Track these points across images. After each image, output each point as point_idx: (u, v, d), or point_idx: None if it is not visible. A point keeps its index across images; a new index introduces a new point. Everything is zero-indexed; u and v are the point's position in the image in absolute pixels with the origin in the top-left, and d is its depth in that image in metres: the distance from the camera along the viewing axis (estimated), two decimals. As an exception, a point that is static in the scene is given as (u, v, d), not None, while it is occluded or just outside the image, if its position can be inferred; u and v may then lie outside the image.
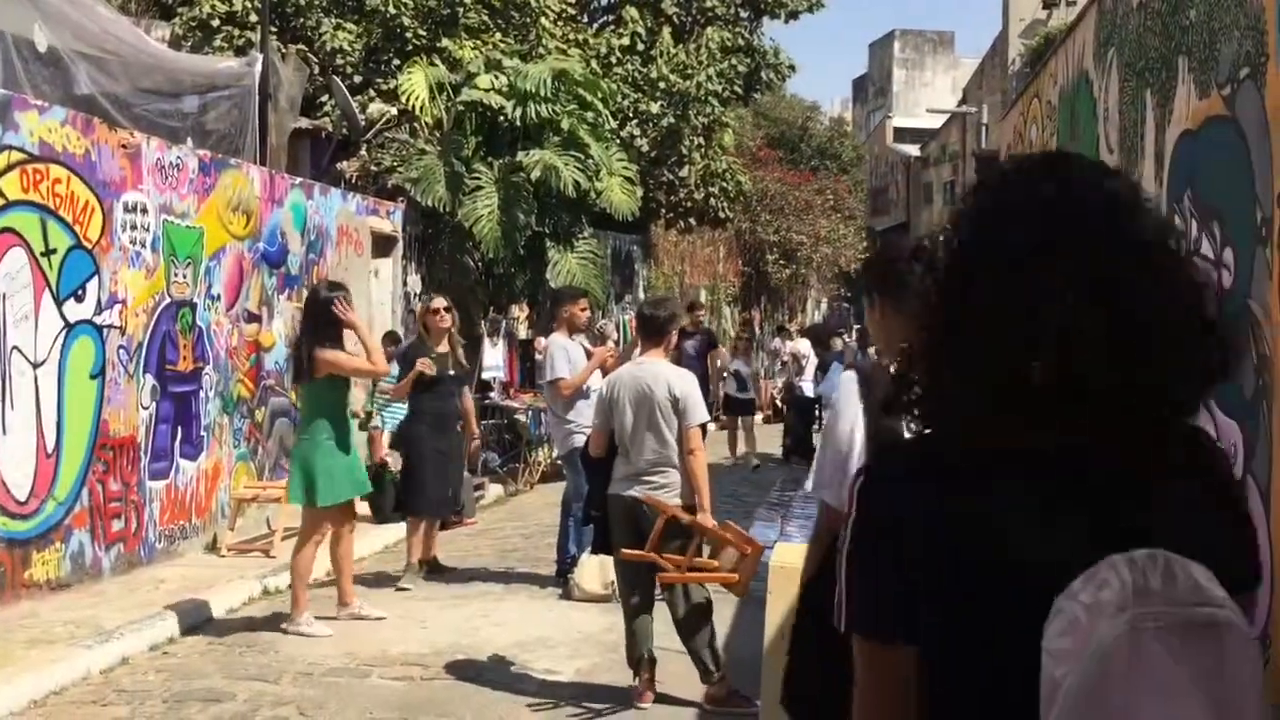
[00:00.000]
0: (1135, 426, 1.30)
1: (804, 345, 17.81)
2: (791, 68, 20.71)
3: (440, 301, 8.66)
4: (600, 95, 15.21)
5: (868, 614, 1.38)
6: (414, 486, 8.35)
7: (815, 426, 17.74)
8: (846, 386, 3.22)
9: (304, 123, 13.93)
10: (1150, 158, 7.40)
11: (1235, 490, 1.43)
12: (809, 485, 3.85)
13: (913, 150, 44.59)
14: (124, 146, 8.19)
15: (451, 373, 8.43)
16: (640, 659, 5.72)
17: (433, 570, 8.40)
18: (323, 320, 6.94)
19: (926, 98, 46.95)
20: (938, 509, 1.32)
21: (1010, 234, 1.33)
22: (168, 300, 8.68)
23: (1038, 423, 1.31)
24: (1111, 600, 1.20)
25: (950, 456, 1.36)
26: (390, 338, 11.83)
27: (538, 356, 12.72)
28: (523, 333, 16.31)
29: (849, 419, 3.16)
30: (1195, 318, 1.32)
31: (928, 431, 1.44)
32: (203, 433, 9.16)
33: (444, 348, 8.39)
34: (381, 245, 13.17)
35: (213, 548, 9.04)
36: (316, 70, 14.93)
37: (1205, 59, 6.38)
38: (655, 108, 17.66)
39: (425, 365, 8.13)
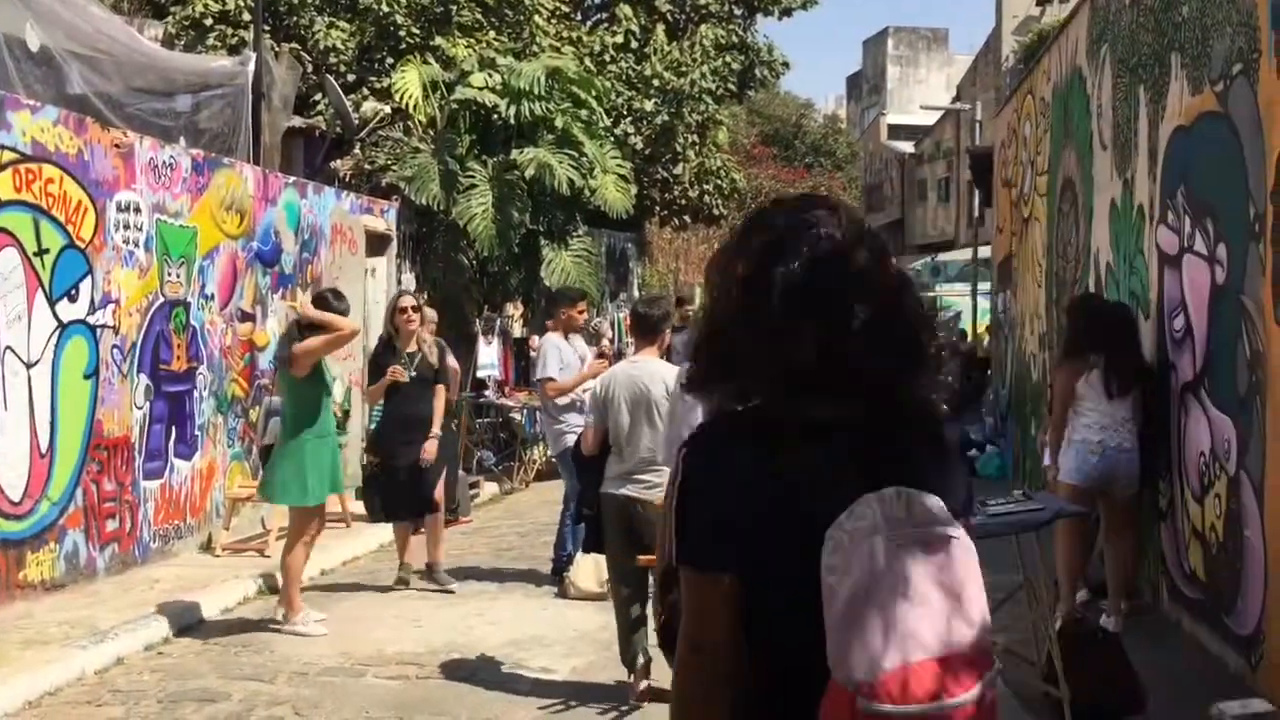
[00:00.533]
0: (881, 402, 1.78)
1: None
2: (785, 65, 20.71)
3: (408, 300, 8.30)
4: (594, 93, 15.22)
5: (692, 549, 1.77)
6: (388, 493, 8.05)
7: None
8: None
9: (297, 121, 13.91)
10: (1143, 153, 7.41)
11: (950, 444, 1.89)
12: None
13: (907, 147, 44.62)
14: (117, 146, 8.18)
15: (415, 374, 7.94)
16: (635, 657, 5.72)
17: (425, 575, 8.15)
18: (301, 326, 7.16)
19: (921, 95, 47.00)
20: (746, 466, 1.76)
21: (779, 271, 1.77)
22: (161, 300, 8.67)
23: (816, 402, 1.75)
24: (866, 526, 1.66)
25: (754, 427, 1.78)
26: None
27: (532, 354, 12.74)
28: (517, 331, 16.30)
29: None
30: (909, 328, 1.82)
31: (738, 409, 1.83)
32: (197, 432, 9.15)
33: (413, 348, 8.03)
34: (376, 244, 13.15)
35: (207, 547, 9.03)
36: (310, 69, 14.92)
37: (1198, 55, 6.39)
38: (649, 105, 17.65)
39: (397, 374, 7.84)
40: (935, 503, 1.70)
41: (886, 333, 1.77)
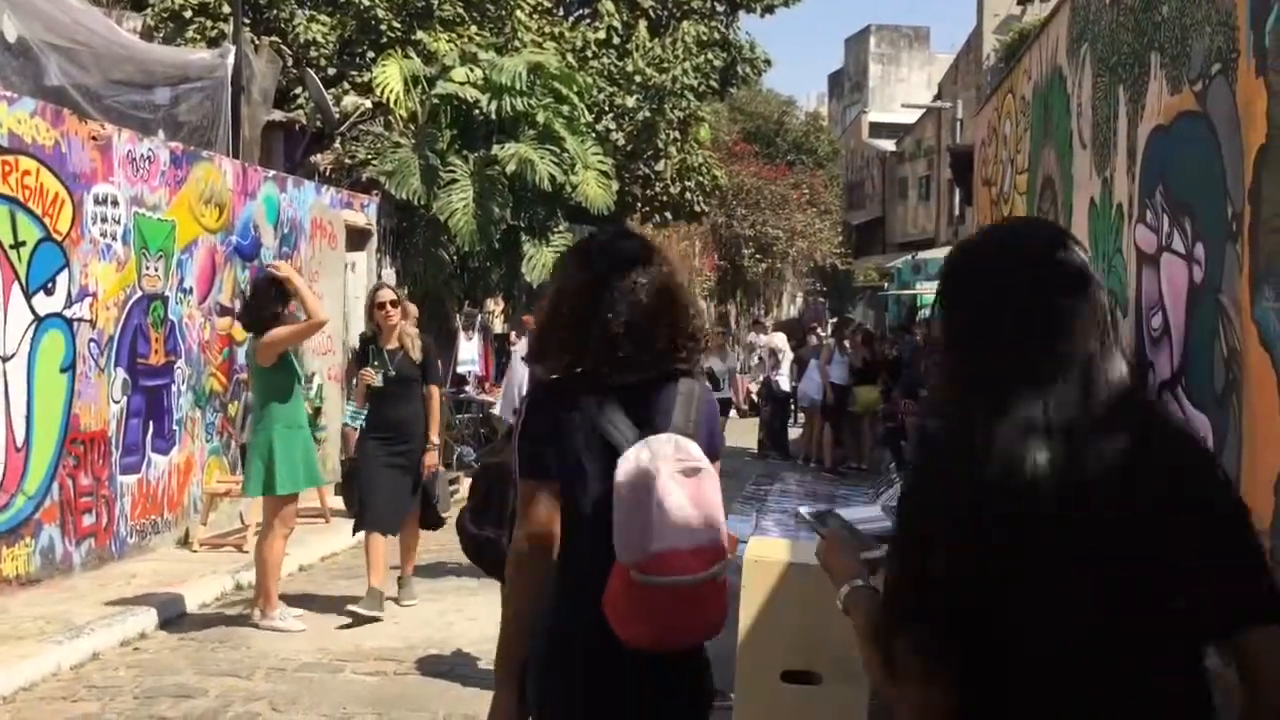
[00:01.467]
0: (659, 370, 2.57)
1: (780, 340, 17.84)
2: (767, 62, 20.72)
3: (386, 294, 7.64)
4: (576, 89, 15.19)
5: (531, 466, 2.51)
6: (365, 501, 7.31)
7: (790, 421, 17.80)
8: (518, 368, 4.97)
9: (277, 115, 13.85)
10: (1123, 152, 7.45)
11: (709, 402, 2.65)
12: (498, 409, 5.80)
13: (888, 145, 44.73)
14: (94, 138, 8.12)
15: (393, 373, 7.31)
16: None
17: (404, 587, 7.57)
18: (264, 310, 6.88)
19: (902, 93, 47.15)
20: (566, 411, 2.51)
21: (597, 273, 2.57)
22: (139, 293, 8.62)
23: (620, 368, 2.51)
24: (648, 456, 2.43)
25: (575, 386, 2.55)
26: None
27: (513, 349, 12.70)
28: (498, 326, 16.28)
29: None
30: (671, 314, 2.57)
31: (562, 375, 2.62)
32: (175, 427, 9.10)
33: (394, 344, 7.42)
34: (356, 239, 13.11)
35: (185, 542, 8.99)
36: (290, 63, 14.84)
37: (1177, 55, 6.42)
38: (631, 101, 17.63)
39: (366, 378, 7.34)
40: (694, 446, 2.50)
41: (666, 326, 2.56)
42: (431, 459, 7.45)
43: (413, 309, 10.75)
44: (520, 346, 5.72)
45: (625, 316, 2.49)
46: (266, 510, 7.09)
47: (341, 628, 6.89)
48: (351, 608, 6.97)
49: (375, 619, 6.93)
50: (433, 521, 7.62)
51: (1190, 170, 6.21)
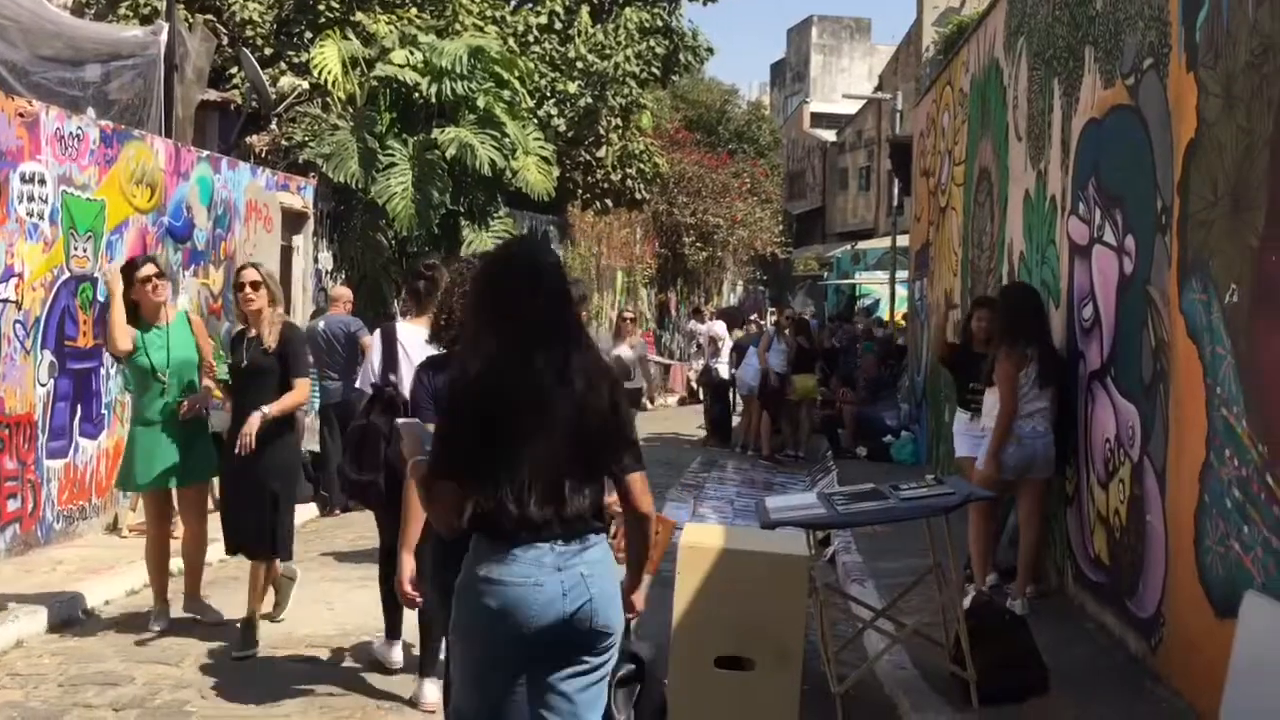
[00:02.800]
0: (524, 355, 3.14)
1: (720, 328, 17.90)
2: (710, 50, 20.74)
3: (248, 274, 6.26)
4: (517, 74, 15.12)
5: (418, 412, 3.86)
6: (224, 521, 6.41)
7: (731, 409, 17.87)
8: (377, 341, 5.61)
9: (212, 95, 13.62)
10: (1056, 145, 7.54)
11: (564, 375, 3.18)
12: (360, 381, 5.86)
13: (829, 135, 45.00)
14: (21, 115, 7.93)
15: (245, 363, 6.18)
16: (549, 639, 5.70)
17: (246, 630, 6.16)
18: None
19: (843, 84, 47.42)
20: (453, 376, 3.31)
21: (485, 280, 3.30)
22: (67, 274, 8.43)
23: (489, 346, 3.16)
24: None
25: (453, 360, 3.76)
26: (320, 312, 11.71)
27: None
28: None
29: (379, 358, 5.54)
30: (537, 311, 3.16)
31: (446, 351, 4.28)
32: (104, 411, 8.93)
33: (254, 331, 6.22)
34: (292, 222, 12.94)
35: (113, 529, 8.82)
36: (225, 41, 14.60)
37: (1111, 49, 6.51)
38: (573, 88, 17.57)
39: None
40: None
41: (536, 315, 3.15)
42: (251, 424, 5.97)
43: (346, 293, 10.65)
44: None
45: (510, 319, 3.21)
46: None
47: (239, 657, 6.01)
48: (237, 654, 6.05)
49: (248, 657, 6.00)
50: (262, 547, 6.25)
51: (1122, 163, 6.30)
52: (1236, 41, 4.79)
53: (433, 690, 5.18)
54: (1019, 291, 7.49)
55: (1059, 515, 7.20)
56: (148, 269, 6.51)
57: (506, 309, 3.14)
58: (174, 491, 6.64)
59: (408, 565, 3.99)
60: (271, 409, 6.02)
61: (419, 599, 3.97)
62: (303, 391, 6.24)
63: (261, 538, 6.12)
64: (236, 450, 5.99)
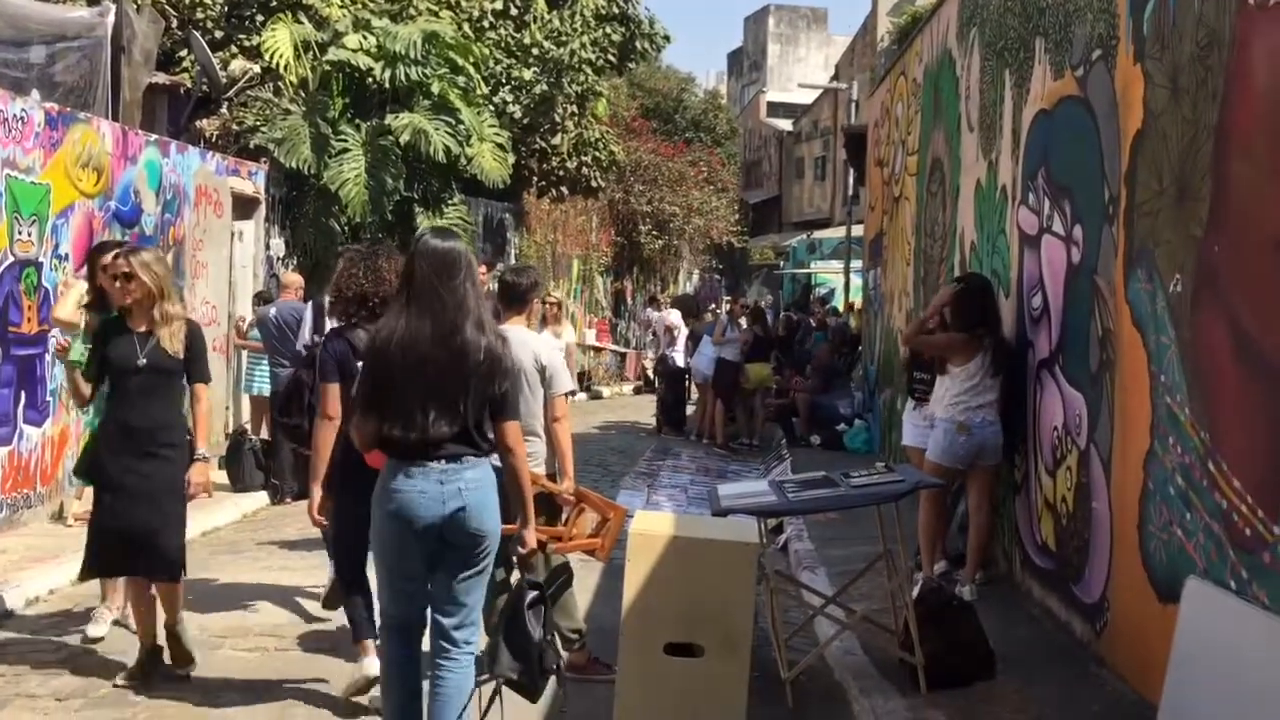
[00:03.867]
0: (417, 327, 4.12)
1: (675, 316, 17.90)
2: (666, 38, 20.72)
3: (120, 265, 5.40)
4: (472, 59, 15.02)
5: (327, 374, 4.88)
6: (93, 536, 5.50)
7: (686, 397, 17.90)
8: (309, 311, 6.97)
9: (160, 78, 13.42)
10: (1007, 135, 7.59)
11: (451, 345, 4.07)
12: (297, 344, 6.81)
13: (786, 125, 45.12)
14: (-38, 96, 7.78)
15: (144, 361, 5.34)
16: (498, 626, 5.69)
17: (150, 659, 5.54)
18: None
19: (800, 73, 47.57)
20: (350, 342, 4.91)
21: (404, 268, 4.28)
22: (10, 259, 8.29)
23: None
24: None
25: (349, 330, 5.02)
26: (260, 297, 11.57)
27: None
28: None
29: (309, 325, 6.86)
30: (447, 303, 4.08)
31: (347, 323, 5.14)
32: (48, 398, 8.80)
33: (145, 326, 5.41)
34: (243, 207, 12.80)
35: (59, 517, 8.70)
36: (174, 24, 14.40)
37: (1060, 40, 6.56)
38: (528, 74, 17.49)
39: (59, 349, 5.96)
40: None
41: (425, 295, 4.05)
42: (200, 475, 5.49)
43: (297, 280, 10.54)
44: (532, 341, 5.72)
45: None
46: None
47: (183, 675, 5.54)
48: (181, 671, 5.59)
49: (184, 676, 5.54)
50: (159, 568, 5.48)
51: (1071, 154, 6.36)
52: (1182, 33, 4.84)
53: (373, 665, 5.02)
54: (972, 280, 7.55)
55: (1008, 502, 7.27)
56: (114, 266, 5.48)
57: (407, 288, 4.09)
58: None
59: (316, 495, 4.89)
60: (203, 443, 5.52)
61: (325, 523, 5.01)
62: (206, 401, 5.62)
63: (172, 557, 5.46)
64: (191, 495, 5.47)
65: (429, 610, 4.18)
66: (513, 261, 19.42)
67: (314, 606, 6.74)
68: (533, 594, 4.20)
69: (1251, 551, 4.12)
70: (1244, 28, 4.31)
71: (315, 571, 7.58)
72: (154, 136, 10.96)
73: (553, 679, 4.30)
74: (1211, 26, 4.56)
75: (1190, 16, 4.76)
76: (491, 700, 4.17)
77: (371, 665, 4.97)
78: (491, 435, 4.11)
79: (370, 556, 4.31)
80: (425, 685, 4.19)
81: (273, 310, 10.20)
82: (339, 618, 6.49)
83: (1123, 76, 5.54)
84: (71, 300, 6.09)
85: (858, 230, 20.08)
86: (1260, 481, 4.07)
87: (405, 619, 4.17)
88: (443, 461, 4.00)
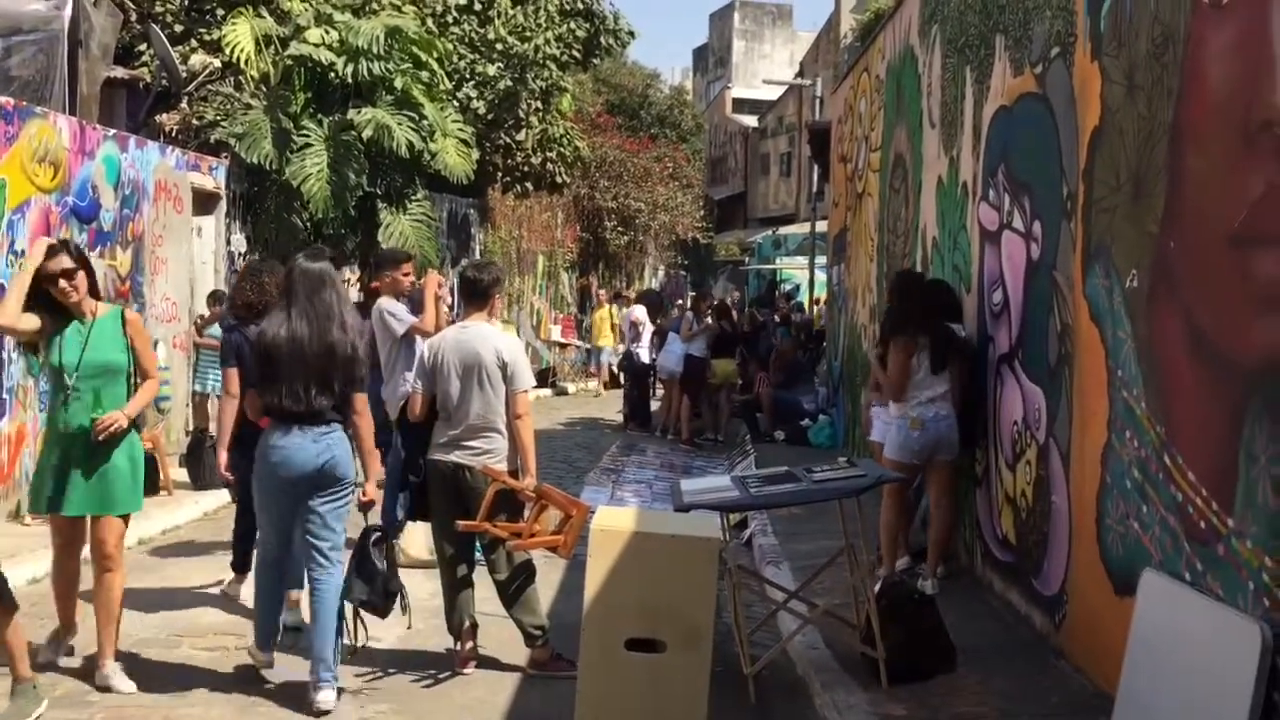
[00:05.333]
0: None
1: (640, 312, 17.88)
2: (631, 34, 20.69)
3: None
4: (435, 55, 14.94)
5: (225, 359, 6.05)
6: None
7: (651, 393, 17.91)
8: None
9: (119, 72, 13.27)
10: (968, 132, 7.64)
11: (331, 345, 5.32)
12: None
13: (751, 121, 45.21)
14: (-86, 89, 7.66)
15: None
16: (461, 624, 5.68)
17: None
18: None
19: (765, 69, 47.62)
20: (239, 337, 5.96)
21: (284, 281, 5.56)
22: (-35, 255, 8.18)
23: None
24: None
25: (244, 328, 6.00)
26: (215, 297, 11.44)
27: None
28: (354, 295, 15.94)
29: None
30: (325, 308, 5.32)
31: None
32: (4, 395, 8.68)
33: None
34: (203, 202, 12.68)
35: (16, 516, 8.59)
36: (133, 17, 14.23)
37: (1020, 38, 6.60)
38: (492, 70, 17.41)
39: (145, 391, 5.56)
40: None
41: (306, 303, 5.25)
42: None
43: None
44: (494, 338, 5.77)
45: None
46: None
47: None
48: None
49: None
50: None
51: (1030, 150, 6.40)
52: (1139, 31, 4.88)
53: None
54: (901, 280, 7.62)
55: (969, 497, 7.31)
56: (57, 262, 5.23)
57: (288, 297, 5.28)
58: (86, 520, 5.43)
59: (223, 457, 5.96)
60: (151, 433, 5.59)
61: (231, 478, 6.04)
62: (150, 392, 5.59)
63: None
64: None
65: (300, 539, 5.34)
66: (477, 257, 19.36)
67: (275, 605, 6.69)
68: (376, 534, 5.42)
69: (1206, 544, 4.16)
70: (1198, 25, 4.35)
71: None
72: (112, 131, 10.84)
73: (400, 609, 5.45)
74: (1167, 24, 4.60)
75: (1146, 14, 4.80)
76: (354, 618, 5.44)
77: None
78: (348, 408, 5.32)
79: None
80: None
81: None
82: (302, 614, 6.46)
83: (1081, 74, 5.58)
84: (13, 301, 5.24)
85: (822, 226, 20.15)
86: (1215, 475, 4.12)
87: (279, 551, 5.41)
88: (317, 425, 5.21)
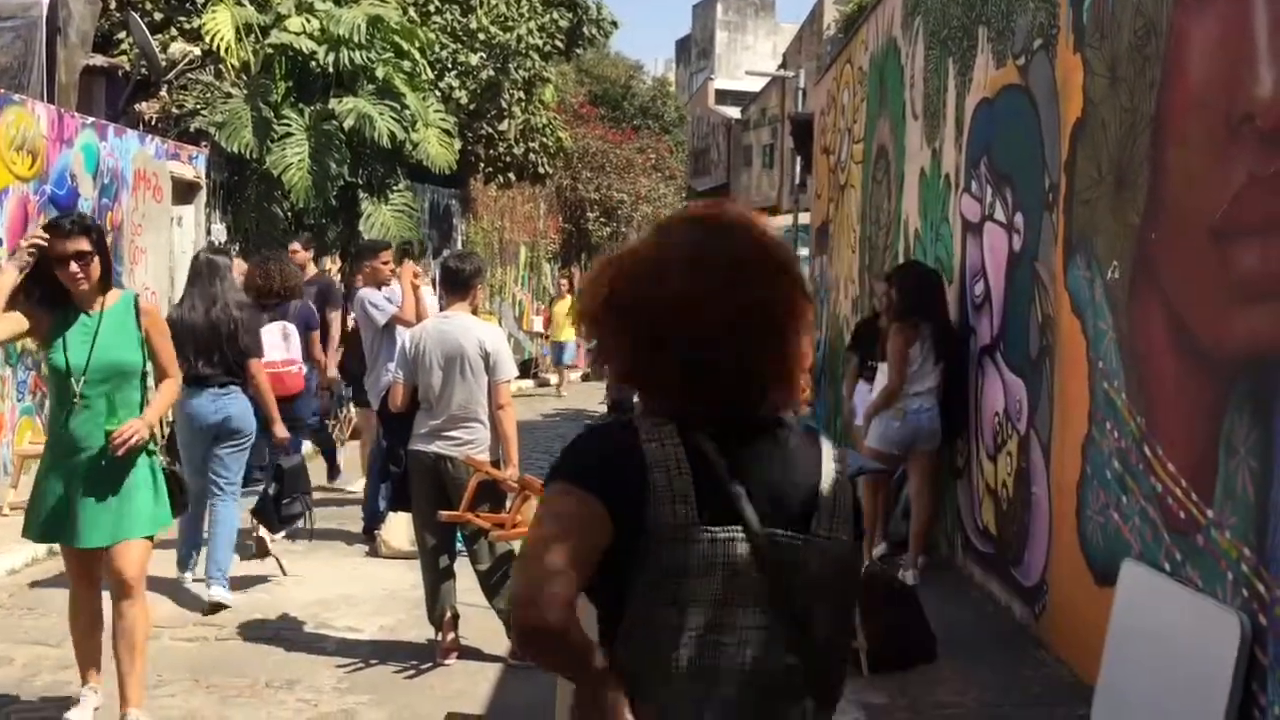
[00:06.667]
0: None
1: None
2: (614, 24, 20.65)
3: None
4: (417, 44, 14.88)
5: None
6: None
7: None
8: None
9: (98, 60, 13.17)
10: (951, 124, 7.64)
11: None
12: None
13: (734, 113, 45.15)
14: (-110, 76, 7.57)
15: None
16: (442, 616, 5.66)
17: None
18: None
19: (748, 61, 47.61)
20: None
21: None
22: (-58, 243, 8.10)
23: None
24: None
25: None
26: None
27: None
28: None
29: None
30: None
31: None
32: (-18, 385, 8.60)
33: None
34: (183, 192, 12.59)
35: (-6, 507, 8.52)
36: (112, 5, 14.12)
37: (1003, 29, 6.61)
38: (475, 59, 17.35)
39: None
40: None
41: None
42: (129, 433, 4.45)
43: (240, 266, 10.38)
44: (476, 328, 5.76)
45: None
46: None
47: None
48: None
49: None
50: None
51: (1012, 142, 6.41)
52: (1121, 23, 4.89)
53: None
54: (910, 269, 7.61)
55: (950, 487, 7.33)
56: (74, 244, 4.40)
57: (189, 284, 6.53)
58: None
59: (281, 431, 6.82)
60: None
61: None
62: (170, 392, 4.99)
63: None
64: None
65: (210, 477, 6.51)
66: (459, 248, 19.31)
67: (253, 596, 6.68)
68: (276, 468, 6.77)
69: (1185, 534, 4.18)
70: (1180, 18, 4.36)
71: (255, 562, 7.50)
72: (91, 119, 10.75)
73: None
74: (1149, 16, 4.61)
75: (1128, 6, 4.81)
76: (257, 523, 6.91)
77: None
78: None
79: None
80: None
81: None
82: (282, 605, 6.46)
83: (1063, 66, 5.59)
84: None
85: (805, 218, 20.15)
86: (1194, 465, 4.14)
87: (199, 488, 6.29)
88: (211, 388, 6.38)
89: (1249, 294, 3.79)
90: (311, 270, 10.45)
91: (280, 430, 6.67)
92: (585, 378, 23.17)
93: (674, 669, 1.72)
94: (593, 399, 18.48)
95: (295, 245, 10.57)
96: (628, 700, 1.72)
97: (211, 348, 6.36)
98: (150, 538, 4.60)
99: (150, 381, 4.73)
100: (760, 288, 1.78)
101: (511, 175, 19.78)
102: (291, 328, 7.88)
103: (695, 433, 1.76)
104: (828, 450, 1.86)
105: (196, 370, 6.27)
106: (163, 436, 6.49)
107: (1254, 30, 3.81)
